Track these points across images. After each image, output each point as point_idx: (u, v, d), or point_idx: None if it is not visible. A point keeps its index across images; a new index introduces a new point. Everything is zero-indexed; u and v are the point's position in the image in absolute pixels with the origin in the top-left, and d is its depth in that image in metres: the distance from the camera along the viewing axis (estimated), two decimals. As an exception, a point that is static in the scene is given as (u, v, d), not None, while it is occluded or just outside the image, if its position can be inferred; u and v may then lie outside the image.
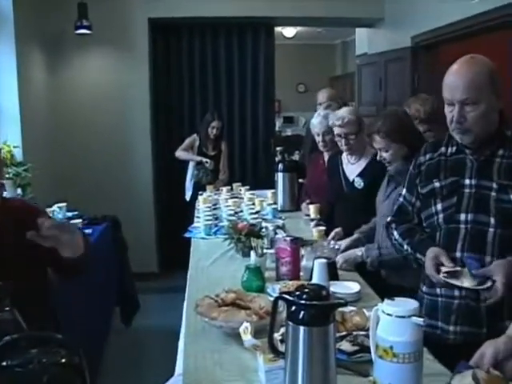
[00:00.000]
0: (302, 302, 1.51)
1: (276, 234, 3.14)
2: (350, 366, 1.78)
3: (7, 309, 1.50)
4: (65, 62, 5.75)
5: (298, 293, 1.54)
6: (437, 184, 2.05)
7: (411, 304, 1.57)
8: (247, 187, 4.96)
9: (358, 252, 2.80)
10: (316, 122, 3.95)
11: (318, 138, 3.95)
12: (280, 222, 3.46)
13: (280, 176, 4.43)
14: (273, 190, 4.64)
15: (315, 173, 4.13)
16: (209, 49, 6.25)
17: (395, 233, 2.25)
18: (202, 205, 4.44)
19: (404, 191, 2.27)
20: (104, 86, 5.86)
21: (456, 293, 1.97)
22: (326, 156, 4.06)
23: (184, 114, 6.32)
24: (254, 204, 4.30)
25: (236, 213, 4.02)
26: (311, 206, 3.92)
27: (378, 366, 1.58)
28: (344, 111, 3.41)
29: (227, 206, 4.24)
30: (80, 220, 3.91)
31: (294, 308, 1.53)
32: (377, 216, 2.94)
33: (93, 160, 5.79)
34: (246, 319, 1.91)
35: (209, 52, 6.26)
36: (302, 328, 1.52)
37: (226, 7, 5.80)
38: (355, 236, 3.03)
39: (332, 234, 3.20)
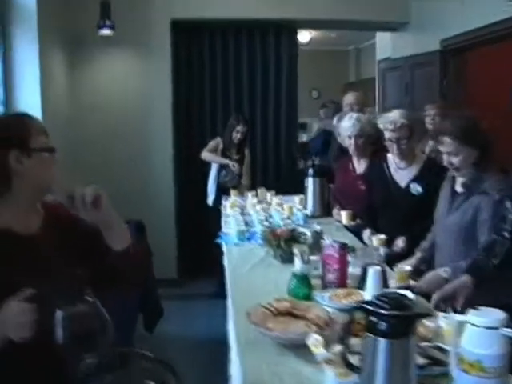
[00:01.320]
0: (385, 312, 1.39)
1: (320, 239, 3.01)
2: (423, 380, 1.65)
3: (90, 299, 1.40)
4: (86, 62, 5.65)
5: (378, 302, 1.42)
6: None
7: (499, 314, 1.45)
8: (273, 192, 4.85)
9: (443, 273, 2.50)
10: (348, 125, 3.83)
11: (350, 141, 3.84)
12: (318, 228, 3.33)
13: (310, 181, 4.32)
14: (301, 196, 4.53)
15: (345, 178, 4.01)
16: (231, 51, 6.14)
17: None
18: (230, 210, 4.33)
19: None
20: (125, 87, 5.76)
21: None
22: (356, 160, 3.95)
23: (205, 117, 6.21)
24: (283, 209, 4.20)
25: (266, 218, 3.91)
26: (343, 213, 3.80)
27: (461, 381, 1.46)
28: (396, 115, 3.25)
29: (257, 212, 4.13)
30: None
31: (374, 319, 1.41)
32: (438, 231, 2.77)
33: (113, 162, 5.69)
34: (306, 330, 1.79)
35: (231, 54, 6.15)
36: (382, 340, 1.40)
37: (249, 8, 5.70)
38: (419, 255, 2.87)
39: (398, 247, 3.06)
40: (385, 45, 7.33)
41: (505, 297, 2.18)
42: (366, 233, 3.33)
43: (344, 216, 3.78)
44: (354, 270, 2.59)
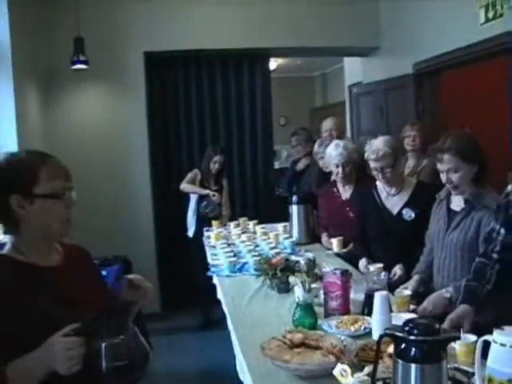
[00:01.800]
0: (415, 337, 1.39)
1: (315, 267, 3.00)
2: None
3: (130, 329, 1.45)
4: (61, 97, 5.59)
5: (407, 328, 1.41)
6: None
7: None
8: (255, 221, 4.83)
9: (446, 294, 2.51)
10: (336, 153, 3.82)
11: (338, 170, 3.83)
12: (311, 256, 3.32)
13: (295, 208, 4.32)
14: (284, 224, 4.52)
15: (332, 205, 4.01)
16: (205, 82, 6.15)
17: None
18: (215, 241, 4.29)
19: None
20: (101, 121, 5.72)
21: None
22: (341, 187, 3.97)
23: (182, 149, 6.17)
24: (269, 238, 4.18)
25: (254, 248, 3.88)
26: (334, 240, 3.80)
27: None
28: (379, 143, 3.24)
29: (243, 242, 4.10)
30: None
31: (404, 345, 1.40)
32: (436, 251, 2.76)
33: (90, 198, 5.58)
34: (325, 360, 1.76)
35: (205, 85, 6.15)
36: (413, 366, 1.39)
37: (222, 39, 5.74)
38: (416, 277, 2.85)
39: (396, 275, 3.02)
40: (354, 70, 7.46)
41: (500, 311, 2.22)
42: (363, 261, 3.28)
43: (335, 243, 3.78)
44: (355, 296, 2.58)
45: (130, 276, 1.77)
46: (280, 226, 4.51)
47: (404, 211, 3.20)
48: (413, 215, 3.16)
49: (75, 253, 1.79)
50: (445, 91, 5.35)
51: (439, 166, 2.59)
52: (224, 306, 2.91)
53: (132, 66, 5.70)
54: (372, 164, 3.23)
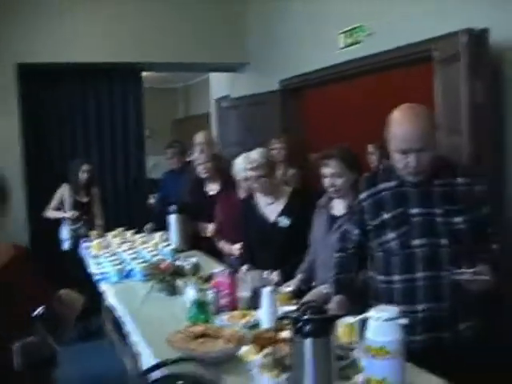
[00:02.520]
0: (308, 316, 1.68)
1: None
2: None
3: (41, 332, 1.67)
4: None
5: (301, 310, 1.70)
6: (386, 216, 2.26)
7: (393, 310, 1.80)
8: (133, 231, 4.97)
9: (324, 290, 2.73)
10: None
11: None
12: (194, 260, 3.55)
13: (173, 217, 4.50)
14: (160, 233, 4.70)
15: (232, 210, 3.95)
16: (77, 95, 6.20)
17: None
18: (97, 251, 4.37)
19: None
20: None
21: None
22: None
23: (55, 164, 6.12)
24: (149, 246, 4.34)
25: (137, 256, 4.03)
26: (236, 246, 3.83)
27: (371, 366, 1.77)
28: (255, 154, 3.41)
29: (125, 251, 4.23)
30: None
31: (300, 324, 1.69)
32: (318, 252, 2.98)
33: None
34: (226, 347, 2.02)
35: (77, 99, 6.20)
36: (308, 340, 1.68)
37: (94, 53, 5.82)
38: (300, 276, 3.06)
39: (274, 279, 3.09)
40: (220, 83, 7.78)
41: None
42: (243, 268, 3.30)
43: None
44: (243, 293, 2.84)
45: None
46: (157, 235, 4.68)
47: (280, 218, 3.35)
48: (288, 222, 3.31)
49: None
50: (309, 107, 5.80)
51: (324, 171, 2.85)
52: (119, 310, 3.04)
53: (5, 76, 5.60)
54: (248, 173, 3.43)
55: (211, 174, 4.42)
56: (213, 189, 4.46)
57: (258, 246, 3.48)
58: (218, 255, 4.12)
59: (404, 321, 1.77)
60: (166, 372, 1.63)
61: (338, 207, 2.93)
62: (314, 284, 2.99)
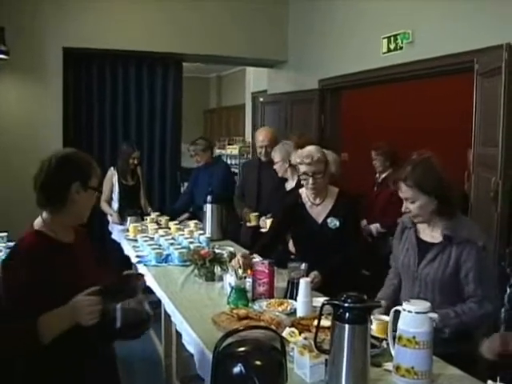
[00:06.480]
0: (348, 304, 1.85)
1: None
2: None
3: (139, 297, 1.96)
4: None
5: (342, 298, 1.87)
6: None
7: (425, 303, 1.96)
8: (167, 217, 5.14)
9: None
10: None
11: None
12: (232, 249, 3.72)
13: (209, 207, 4.68)
14: (195, 221, 4.90)
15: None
16: (120, 80, 6.39)
17: None
18: (134, 234, 4.58)
19: None
20: (18, 112, 5.78)
21: None
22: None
23: (93, 145, 6.35)
24: (184, 233, 4.50)
25: (174, 241, 4.21)
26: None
27: (401, 354, 1.94)
28: (311, 149, 3.29)
29: (162, 236, 4.40)
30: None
31: (340, 310, 1.86)
32: (407, 282, 2.59)
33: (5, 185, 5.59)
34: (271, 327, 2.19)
35: (120, 83, 6.39)
36: (347, 326, 1.85)
37: (138, 41, 6.02)
38: (383, 303, 2.46)
39: (312, 276, 2.99)
40: (258, 78, 7.93)
41: None
42: (246, 252, 3.36)
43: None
44: (280, 283, 3.03)
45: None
46: (192, 223, 4.86)
47: (329, 220, 3.28)
48: (337, 224, 3.27)
49: (79, 231, 2.13)
50: (345, 107, 5.94)
51: (400, 194, 2.48)
52: (159, 292, 3.23)
53: (51, 59, 5.81)
54: (304, 168, 3.25)
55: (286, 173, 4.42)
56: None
57: (302, 242, 3.46)
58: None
59: (434, 315, 1.94)
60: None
61: (430, 232, 2.51)
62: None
